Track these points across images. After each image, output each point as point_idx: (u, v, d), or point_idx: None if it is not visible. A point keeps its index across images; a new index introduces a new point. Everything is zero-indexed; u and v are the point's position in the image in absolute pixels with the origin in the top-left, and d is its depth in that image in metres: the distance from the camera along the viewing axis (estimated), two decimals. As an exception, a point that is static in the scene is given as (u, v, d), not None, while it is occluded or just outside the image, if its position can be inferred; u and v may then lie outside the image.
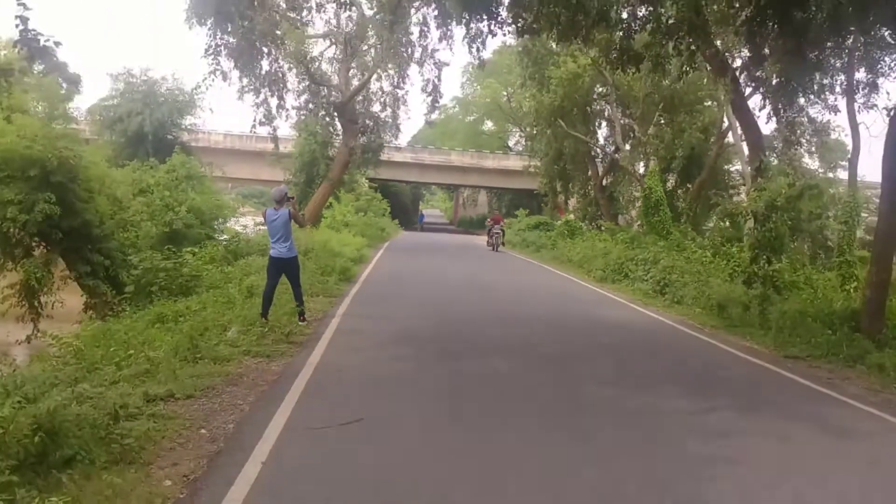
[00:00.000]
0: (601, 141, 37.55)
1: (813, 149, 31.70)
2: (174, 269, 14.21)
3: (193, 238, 18.58)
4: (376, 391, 7.59)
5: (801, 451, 6.47)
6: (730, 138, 30.86)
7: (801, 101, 16.90)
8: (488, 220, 41.39)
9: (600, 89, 34.42)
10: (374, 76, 30.80)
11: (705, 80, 26.35)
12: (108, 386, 6.61)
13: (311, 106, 30.71)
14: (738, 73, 18.06)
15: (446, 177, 61.89)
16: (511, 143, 68.54)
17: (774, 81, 13.93)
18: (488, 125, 71.88)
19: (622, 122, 32.58)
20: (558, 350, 10.64)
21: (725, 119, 29.61)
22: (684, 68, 14.86)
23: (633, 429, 6.75)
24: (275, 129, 29.89)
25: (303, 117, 31.63)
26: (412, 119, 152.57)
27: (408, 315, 12.90)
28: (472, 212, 77.99)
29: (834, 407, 8.23)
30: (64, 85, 25.64)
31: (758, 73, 14.32)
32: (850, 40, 14.27)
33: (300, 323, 11.01)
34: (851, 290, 17.87)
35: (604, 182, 36.56)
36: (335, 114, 30.88)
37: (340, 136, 31.70)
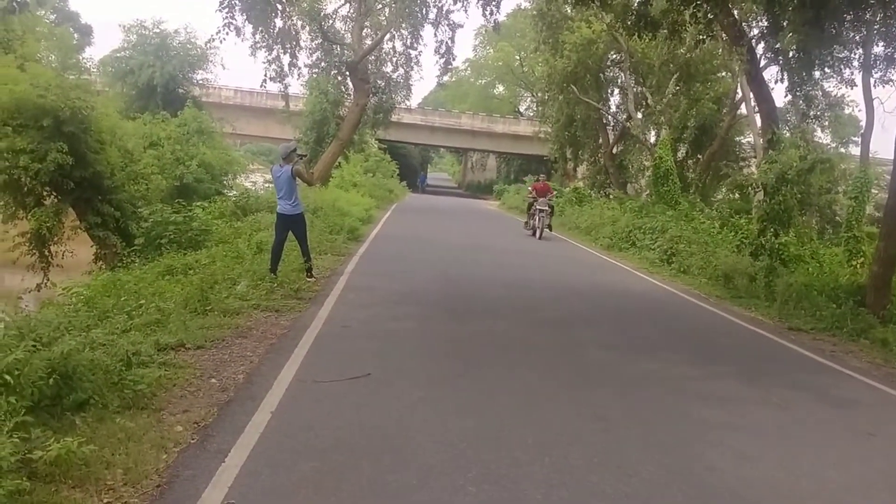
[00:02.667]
0: (613, 108, 37.35)
1: (826, 123, 31.48)
2: (184, 223, 14.28)
3: (203, 193, 18.67)
4: (384, 348, 7.68)
5: (800, 419, 6.56)
6: (742, 109, 30.67)
7: (817, 74, 16.77)
8: (529, 188, 28.12)
9: (614, 56, 34.15)
10: (388, 36, 30.58)
11: (720, 49, 26.09)
12: (120, 334, 6.69)
13: (323, 64, 30.56)
14: (754, 43, 17.88)
15: (455, 140, 61.61)
16: (522, 108, 68.16)
17: (792, 53, 13.80)
18: (500, 89, 71.46)
19: (635, 90, 32.35)
20: (563, 314, 10.72)
21: (739, 90, 29.40)
22: (701, 36, 14.73)
23: (635, 392, 6.84)
24: (286, 87, 29.77)
25: (314, 75, 31.48)
26: (424, 80, 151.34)
27: (414, 275, 12.99)
28: (480, 176, 77.74)
29: (836, 379, 8.32)
30: (75, 35, 25.51)
31: (775, 45, 14.18)
32: (870, 13, 14.11)
33: (308, 279, 11.10)
34: (858, 266, 17.92)
35: (614, 150, 36.42)
36: (347, 73, 30.70)
37: (352, 96, 31.55)
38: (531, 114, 61.14)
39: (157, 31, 32.63)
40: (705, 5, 13.46)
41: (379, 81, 31.89)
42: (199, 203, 16.35)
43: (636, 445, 5.40)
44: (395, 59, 32.08)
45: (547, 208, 22.34)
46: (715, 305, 12.79)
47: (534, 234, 22.63)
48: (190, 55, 32.31)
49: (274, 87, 29.38)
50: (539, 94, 48.16)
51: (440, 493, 4.31)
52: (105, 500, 3.99)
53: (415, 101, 64.28)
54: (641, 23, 14.00)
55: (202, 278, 9.49)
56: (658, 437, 5.63)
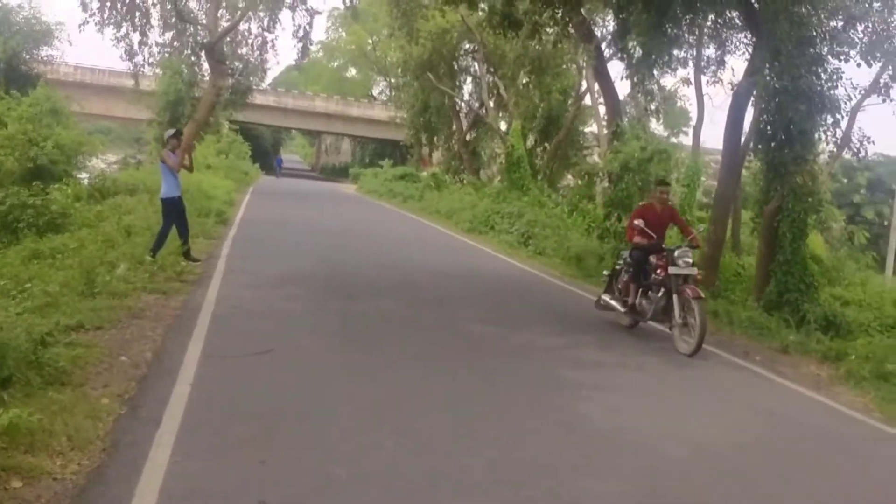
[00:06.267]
0: (466, 96, 38.52)
1: (661, 115, 33.89)
2: (43, 206, 13.88)
3: (59, 175, 18.02)
4: (280, 326, 8.11)
5: (652, 377, 7.67)
6: (587, 101, 32.53)
7: (656, 72, 18.35)
8: (633, 212, 10.30)
9: (468, 46, 35.22)
10: (245, 18, 30.14)
11: (569, 45, 27.57)
12: (14, 317, 6.77)
13: (176, 44, 29.80)
14: (601, 42, 19.29)
15: (309, 122, 61.26)
16: (375, 92, 68.57)
17: (636, 54, 15.16)
18: (353, 72, 71.46)
19: (488, 79, 33.56)
20: (439, 293, 11.49)
21: (584, 83, 31.18)
22: (559, 36, 15.86)
23: (514, 360, 7.71)
24: (136, 66, 28.92)
25: (167, 55, 30.59)
26: (280, 64, 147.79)
27: (291, 257, 13.35)
28: (334, 159, 77.55)
29: (678, 344, 9.53)
30: None
31: (621, 46, 15.50)
32: (701, 17, 15.66)
33: (191, 262, 11.29)
34: (690, 248, 19.77)
35: (467, 137, 37.58)
36: (202, 53, 30.07)
37: (207, 77, 30.92)
38: (384, 98, 61.65)
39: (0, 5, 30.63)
40: (560, 8, 14.54)
41: (236, 63, 31.43)
42: (57, 185, 15.84)
43: (522, 403, 6.23)
44: (251, 42, 31.69)
45: (695, 272, 9.31)
46: (571, 283, 13.94)
47: (635, 323, 10.01)
48: (34, 31, 30.53)
49: (123, 66, 28.47)
50: (394, 80, 48.75)
51: (363, 447, 4.91)
52: (59, 463, 4.32)
53: (266, 81, 63.09)
54: (506, 22, 14.95)
55: (81, 262, 9.48)
56: (539, 396, 6.48)
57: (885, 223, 34.72)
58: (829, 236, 28.24)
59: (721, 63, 17.56)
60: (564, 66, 32.25)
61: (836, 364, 8.96)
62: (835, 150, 14.65)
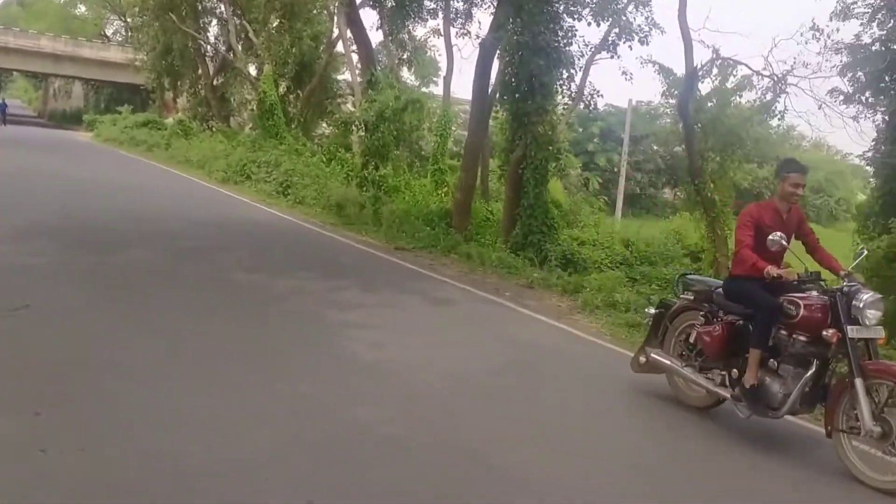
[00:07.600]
0: (213, 39, 36.89)
1: (412, 65, 34.66)
2: None
3: None
4: (30, 282, 7.54)
5: (413, 315, 8.23)
6: (340, 48, 32.49)
7: (408, 22, 18.81)
8: (744, 215, 5.55)
9: (210, -15, 33.71)
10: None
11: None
12: None
13: None
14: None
15: (34, 64, 55.22)
16: (109, 32, 63.36)
17: (388, 2, 15.49)
18: (82, 9, 65.43)
19: (236, 22, 32.38)
20: (200, 243, 11.26)
21: (336, 29, 31.06)
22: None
23: (281, 304, 7.90)
24: None
25: None
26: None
27: (28, 211, 12.26)
28: (65, 104, 70.93)
29: (435, 284, 10.21)
30: None
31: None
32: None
33: None
34: (443, 195, 20.79)
35: (215, 82, 36.11)
36: None
37: None
38: (121, 39, 57.25)
39: None
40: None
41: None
42: None
43: (294, 343, 6.50)
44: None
45: (882, 335, 5.06)
46: (332, 231, 14.22)
47: (716, 403, 5.77)
48: None
49: None
50: (130, 20, 45.44)
51: (141, 393, 4.85)
52: None
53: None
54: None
55: None
56: (307, 336, 6.76)
57: (615, 170, 38.31)
58: (567, 182, 30.79)
59: (469, 16, 18.36)
60: (316, 12, 31.96)
61: (573, 296, 10.07)
62: (570, 101, 15.95)
